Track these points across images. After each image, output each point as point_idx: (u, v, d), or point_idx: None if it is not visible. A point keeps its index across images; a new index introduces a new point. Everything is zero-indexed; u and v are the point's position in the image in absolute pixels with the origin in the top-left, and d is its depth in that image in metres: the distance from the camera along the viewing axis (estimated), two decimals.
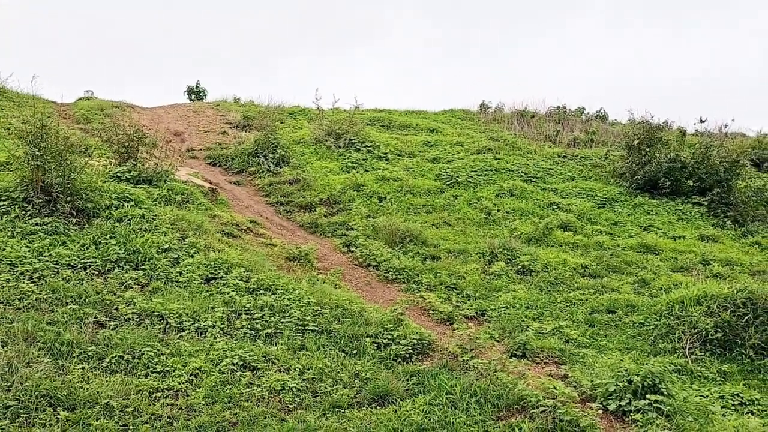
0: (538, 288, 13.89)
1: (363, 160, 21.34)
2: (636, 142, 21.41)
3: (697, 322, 11.90)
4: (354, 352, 10.13)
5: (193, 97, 32.61)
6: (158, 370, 8.88)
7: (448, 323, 12.05)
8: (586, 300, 13.45)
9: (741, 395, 10.28)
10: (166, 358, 9.13)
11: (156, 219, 13.18)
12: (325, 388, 9.08)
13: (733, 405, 10.01)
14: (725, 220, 19.05)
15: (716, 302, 12.22)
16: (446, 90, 67.09)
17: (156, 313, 10.16)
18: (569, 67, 74.01)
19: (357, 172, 20.22)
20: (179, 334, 9.83)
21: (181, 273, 11.66)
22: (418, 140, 23.93)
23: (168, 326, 9.97)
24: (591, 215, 18.62)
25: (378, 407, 8.81)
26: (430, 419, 8.52)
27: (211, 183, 17.82)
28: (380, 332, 10.63)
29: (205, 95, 32.84)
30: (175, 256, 12.13)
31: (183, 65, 78.95)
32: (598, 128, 27.39)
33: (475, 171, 20.94)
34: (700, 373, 10.97)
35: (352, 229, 16.57)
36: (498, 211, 18.28)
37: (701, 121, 22.95)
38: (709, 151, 20.56)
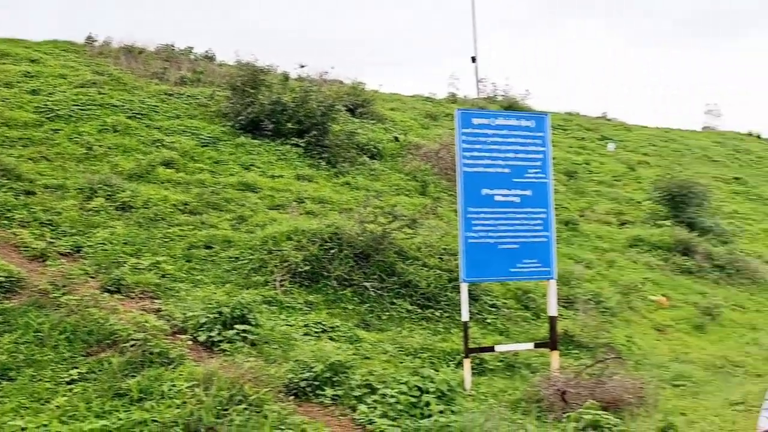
0: (137, 224, 13.87)
1: None
2: (240, 83, 21.86)
3: (287, 256, 12.70)
4: None
5: None
6: None
7: (41, 260, 11.68)
8: (185, 236, 13.70)
9: (324, 323, 11.21)
10: None
11: None
12: None
13: (316, 332, 10.89)
14: (320, 161, 20.22)
15: (306, 237, 13.13)
16: (58, 21, 63.04)
17: None
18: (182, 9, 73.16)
19: None
20: None
21: None
22: (17, 70, 22.40)
23: None
24: (194, 153, 18.81)
25: None
26: (15, 358, 8.34)
27: None
28: None
29: None
30: None
31: None
32: (206, 68, 27.42)
33: (78, 105, 20.12)
34: (288, 304, 11.75)
35: None
36: (100, 146, 17.82)
37: (301, 66, 24.07)
38: (309, 96, 21.50)
